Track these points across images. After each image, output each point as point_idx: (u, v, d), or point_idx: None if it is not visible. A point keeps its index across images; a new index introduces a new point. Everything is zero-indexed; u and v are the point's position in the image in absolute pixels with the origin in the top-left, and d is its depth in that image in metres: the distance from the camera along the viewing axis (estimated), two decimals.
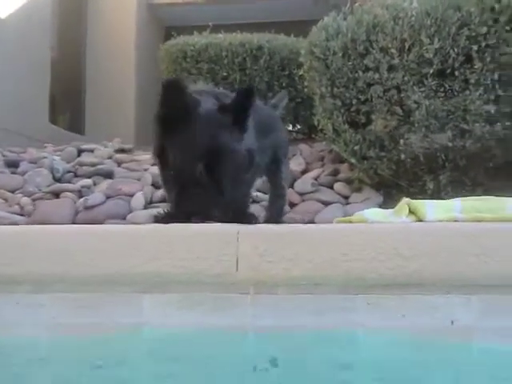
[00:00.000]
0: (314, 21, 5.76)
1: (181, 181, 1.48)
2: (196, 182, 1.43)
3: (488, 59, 2.55)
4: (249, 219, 1.41)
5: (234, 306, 1.02)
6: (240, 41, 3.73)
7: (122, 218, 2.74)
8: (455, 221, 1.31)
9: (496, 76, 2.60)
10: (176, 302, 1.03)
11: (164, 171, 1.76)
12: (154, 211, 2.79)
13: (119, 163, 3.60)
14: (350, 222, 1.36)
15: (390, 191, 2.99)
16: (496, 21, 2.55)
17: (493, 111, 2.56)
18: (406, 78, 2.62)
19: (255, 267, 1.00)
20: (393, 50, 2.64)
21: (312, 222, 2.62)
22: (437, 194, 2.82)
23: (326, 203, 2.77)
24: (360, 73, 2.68)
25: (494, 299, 0.98)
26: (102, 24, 6.31)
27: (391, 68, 2.64)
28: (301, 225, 1.23)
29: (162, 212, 1.64)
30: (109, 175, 3.31)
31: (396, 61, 2.63)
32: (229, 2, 6.58)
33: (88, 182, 3.12)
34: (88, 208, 2.77)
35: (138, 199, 2.85)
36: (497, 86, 2.62)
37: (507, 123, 2.60)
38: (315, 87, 2.80)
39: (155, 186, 3.02)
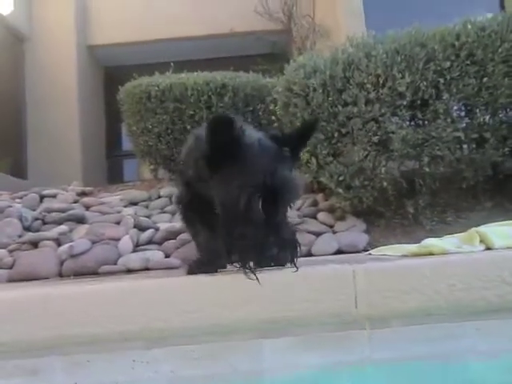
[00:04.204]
0: (256, 56, 5.94)
1: (228, 220, 1.29)
2: (248, 221, 1.24)
3: (454, 90, 2.79)
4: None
5: (353, 343, 1.02)
6: (203, 79, 3.76)
7: (112, 263, 2.62)
8: None
9: (462, 105, 2.86)
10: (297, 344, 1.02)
11: (189, 212, 1.70)
12: (146, 254, 2.71)
13: (87, 207, 3.47)
14: (431, 253, 1.40)
15: (368, 218, 3.12)
16: (457, 56, 2.81)
17: (462, 137, 2.79)
18: (382, 111, 2.79)
19: (373, 303, 1.02)
20: (368, 85, 2.80)
21: (310, 253, 2.66)
22: (416, 218, 2.99)
23: (317, 234, 2.83)
24: (339, 107, 2.81)
25: None
26: (40, 66, 6.06)
27: (368, 101, 2.80)
28: (409, 259, 1.26)
29: (193, 260, 1.54)
30: (80, 220, 3.18)
31: (372, 95, 2.79)
32: (166, 40, 6.61)
33: (64, 228, 2.98)
34: (74, 256, 2.62)
35: (126, 243, 2.75)
36: (463, 114, 2.88)
37: (474, 147, 2.84)
38: (297, 123, 2.89)
39: (138, 228, 2.94)
